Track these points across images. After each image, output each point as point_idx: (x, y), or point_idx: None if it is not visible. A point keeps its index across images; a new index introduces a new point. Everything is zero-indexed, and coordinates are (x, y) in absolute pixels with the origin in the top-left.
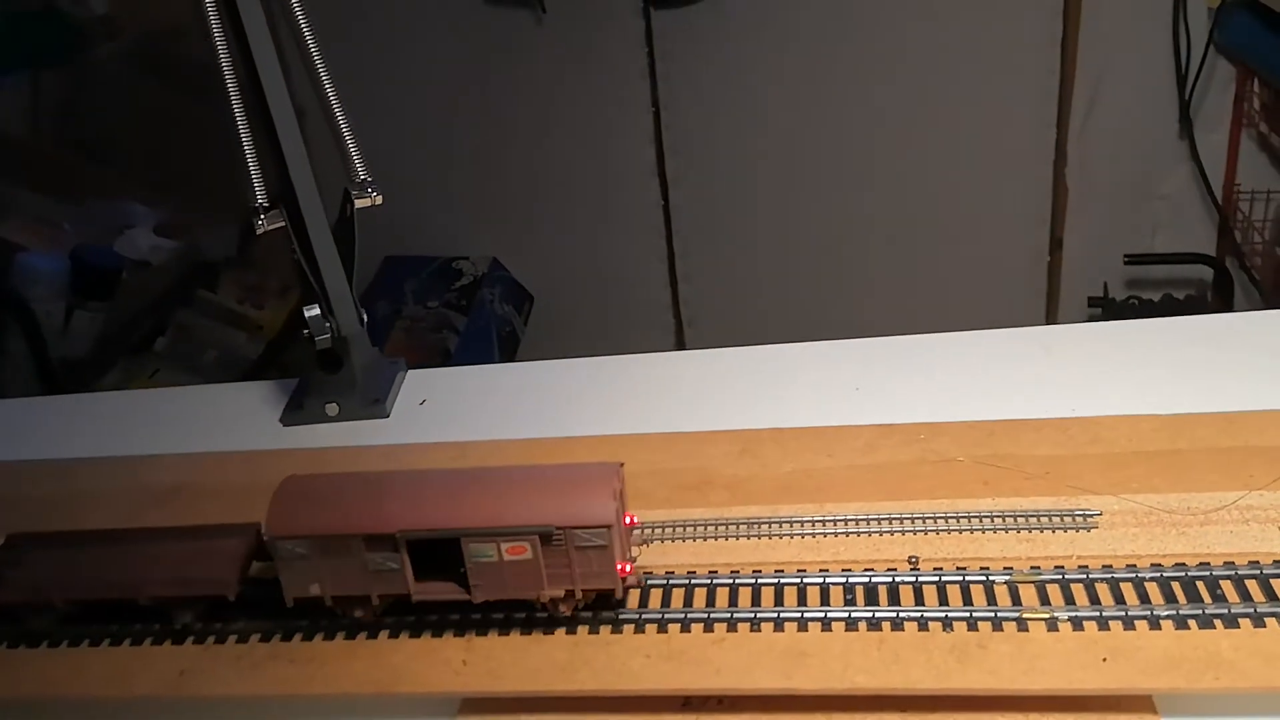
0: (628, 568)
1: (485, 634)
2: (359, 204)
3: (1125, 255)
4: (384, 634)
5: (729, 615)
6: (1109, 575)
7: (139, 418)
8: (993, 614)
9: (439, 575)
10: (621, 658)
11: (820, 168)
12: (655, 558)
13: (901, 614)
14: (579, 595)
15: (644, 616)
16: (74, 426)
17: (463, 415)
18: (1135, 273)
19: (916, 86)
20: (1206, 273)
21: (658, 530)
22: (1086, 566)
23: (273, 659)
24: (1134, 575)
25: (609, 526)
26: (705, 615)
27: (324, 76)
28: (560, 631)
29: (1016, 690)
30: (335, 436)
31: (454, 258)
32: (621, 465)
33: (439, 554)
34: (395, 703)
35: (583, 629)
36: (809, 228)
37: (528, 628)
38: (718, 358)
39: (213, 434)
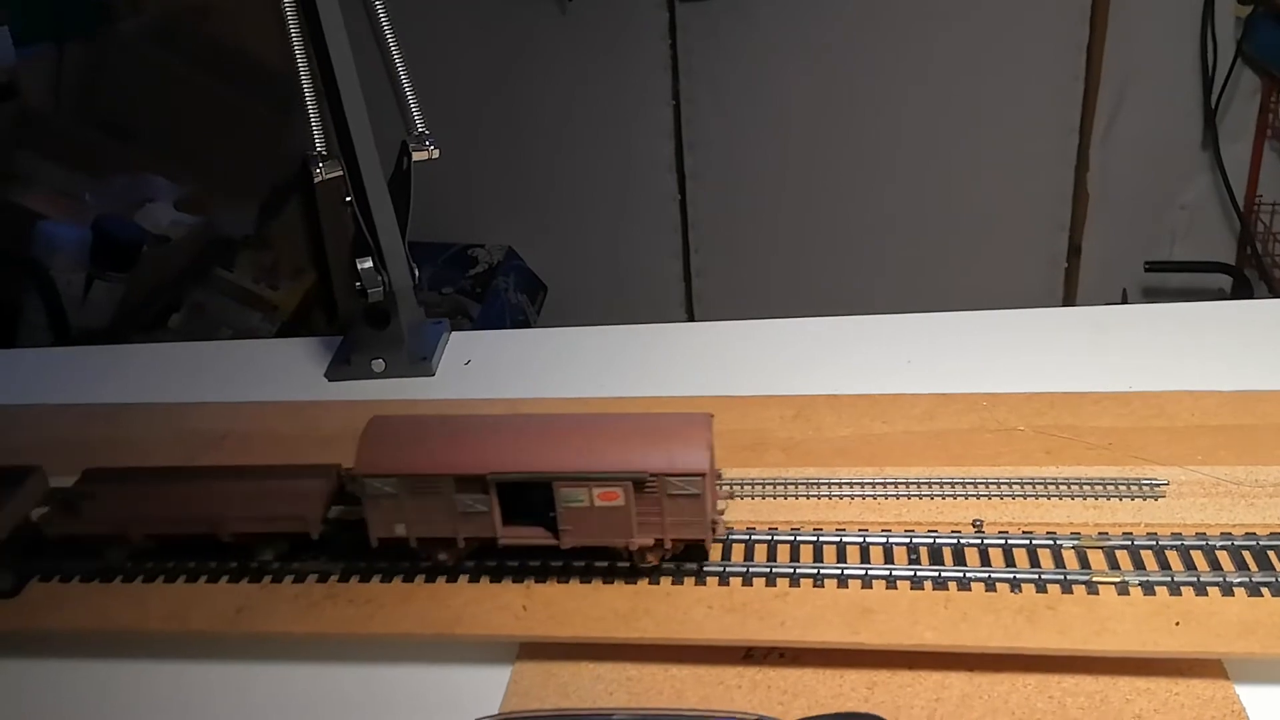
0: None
1: (545, 580)
2: (416, 157)
3: (1146, 263)
4: (442, 578)
5: (792, 570)
6: (1179, 543)
7: (183, 369)
8: (1061, 576)
9: (525, 520)
10: (684, 607)
11: (839, 167)
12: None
13: (968, 574)
14: (668, 545)
15: (705, 569)
16: (121, 375)
17: (507, 376)
18: (1152, 281)
19: (939, 88)
20: (1224, 282)
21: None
22: (1155, 534)
23: (330, 599)
24: (1204, 543)
25: (703, 475)
26: (768, 570)
27: (386, 26)
28: (620, 581)
29: (1088, 651)
30: (380, 393)
31: (470, 245)
32: (711, 417)
33: (526, 498)
34: (453, 646)
35: (643, 580)
36: (825, 226)
37: (588, 576)
38: (764, 328)
39: (257, 387)
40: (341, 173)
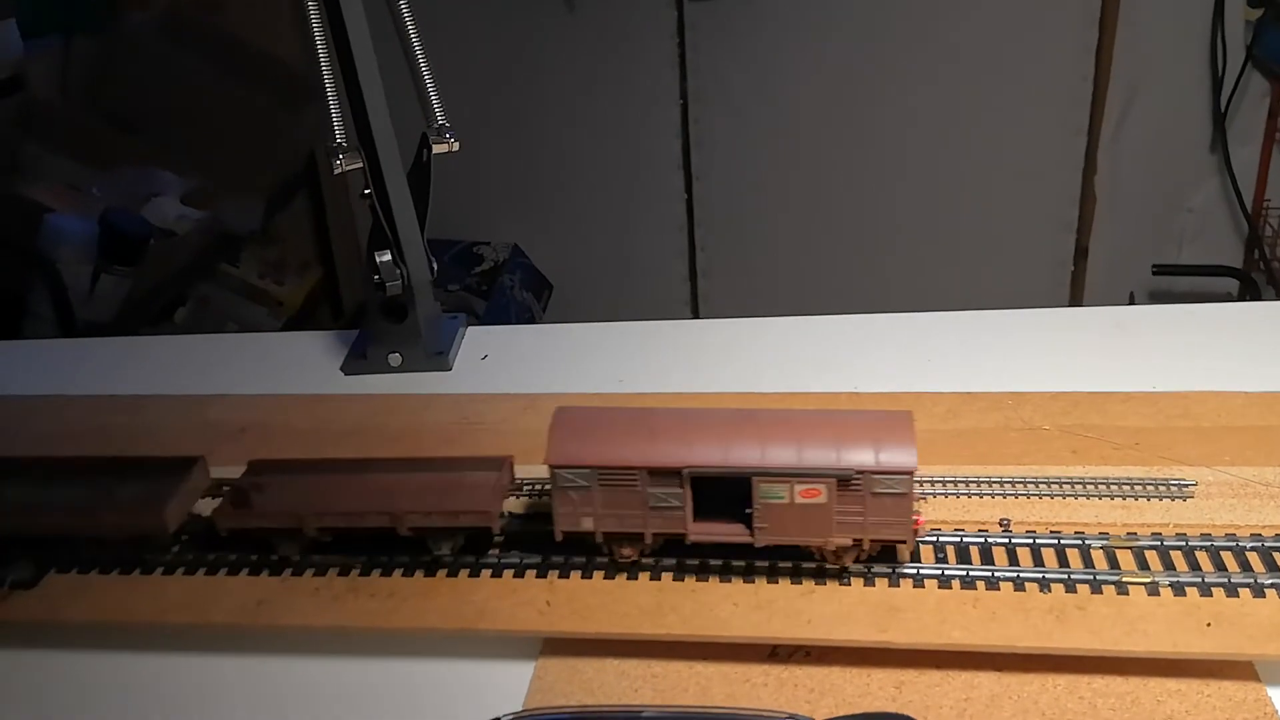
0: (920, 520)
1: (568, 576)
2: (437, 149)
3: (1154, 266)
4: (464, 572)
5: (816, 567)
6: (1208, 543)
7: (198, 362)
8: (1091, 576)
9: (713, 516)
10: (709, 604)
11: (846, 167)
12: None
13: (997, 573)
14: (866, 545)
15: (730, 564)
16: (135, 367)
17: (524, 371)
18: (1159, 284)
19: (947, 90)
20: (1231, 285)
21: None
22: (1185, 534)
23: (352, 592)
24: (1234, 544)
25: (911, 473)
26: (792, 565)
27: (408, 17)
28: (645, 576)
29: (1119, 651)
30: (397, 387)
31: (476, 242)
32: (912, 414)
33: (717, 494)
34: (477, 641)
35: (666, 575)
36: (831, 227)
37: (612, 572)
38: (782, 325)
39: (272, 381)
40: (361, 165)
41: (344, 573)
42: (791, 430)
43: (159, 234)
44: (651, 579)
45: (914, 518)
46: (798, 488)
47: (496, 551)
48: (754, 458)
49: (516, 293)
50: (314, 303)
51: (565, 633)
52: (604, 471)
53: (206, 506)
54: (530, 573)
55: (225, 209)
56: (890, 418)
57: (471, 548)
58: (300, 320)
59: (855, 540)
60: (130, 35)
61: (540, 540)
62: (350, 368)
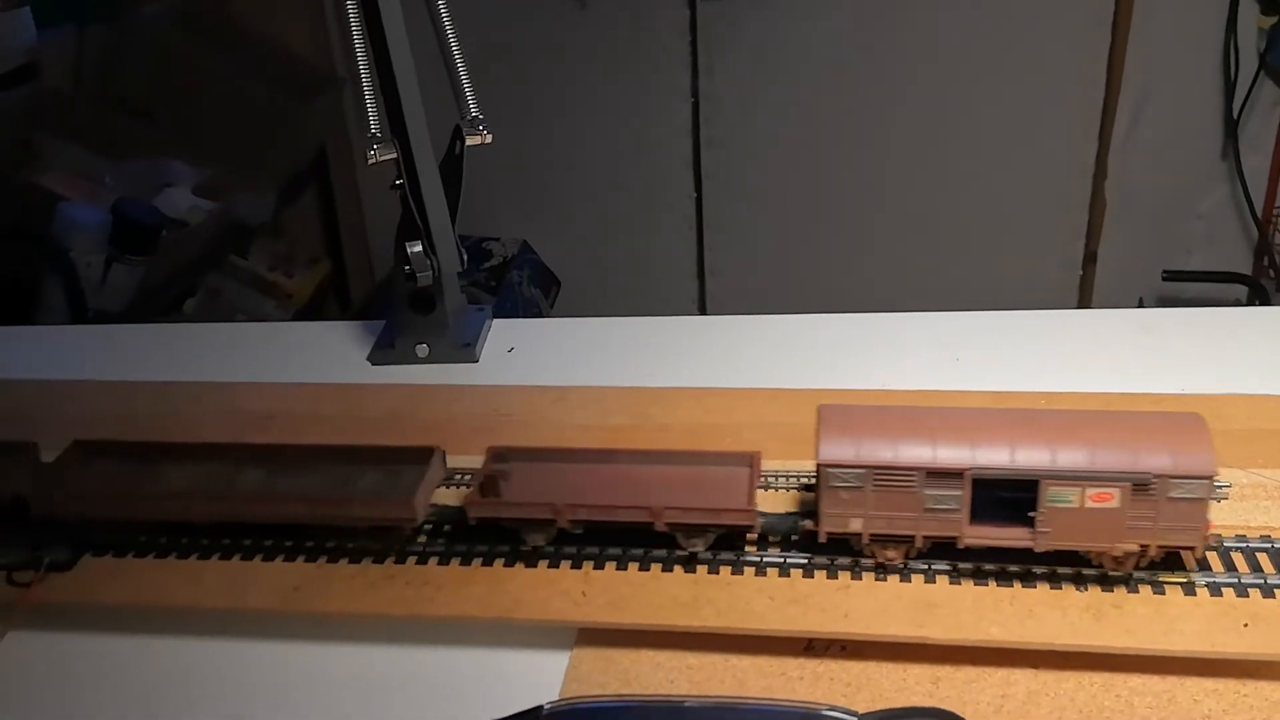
0: (1211, 525)
1: (602, 567)
2: (470, 141)
3: (1164, 271)
4: (499, 562)
5: (852, 563)
6: (1243, 545)
7: (219, 350)
8: (1127, 575)
9: (986, 519)
10: (745, 598)
11: (857, 168)
12: (772, 505)
13: (1033, 570)
14: (1153, 552)
15: (765, 560)
16: (159, 353)
17: (550, 364)
18: (1168, 290)
19: (959, 93)
20: (1240, 292)
21: (771, 480)
22: (1220, 535)
23: (388, 580)
24: (1269, 546)
25: (1210, 478)
26: (829, 562)
27: (444, 13)
28: (679, 569)
29: (1156, 650)
30: (424, 378)
31: (485, 238)
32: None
33: (993, 497)
34: (511, 630)
35: (702, 568)
36: (840, 229)
37: (646, 563)
38: (805, 323)
39: (295, 370)
40: (395, 156)
41: (379, 560)
42: (1078, 432)
43: (171, 224)
44: (686, 571)
45: (1207, 522)
46: (1089, 491)
47: (773, 552)
48: (1044, 460)
49: (524, 289)
50: (322, 295)
51: (600, 623)
52: (879, 471)
53: None
54: (565, 563)
55: (237, 200)
56: (1182, 420)
57: (721, 544)
58: (308, 313)
59: (1142, 546)
60: (144, 25)
61: (800, 541)
62: (377, 358)
